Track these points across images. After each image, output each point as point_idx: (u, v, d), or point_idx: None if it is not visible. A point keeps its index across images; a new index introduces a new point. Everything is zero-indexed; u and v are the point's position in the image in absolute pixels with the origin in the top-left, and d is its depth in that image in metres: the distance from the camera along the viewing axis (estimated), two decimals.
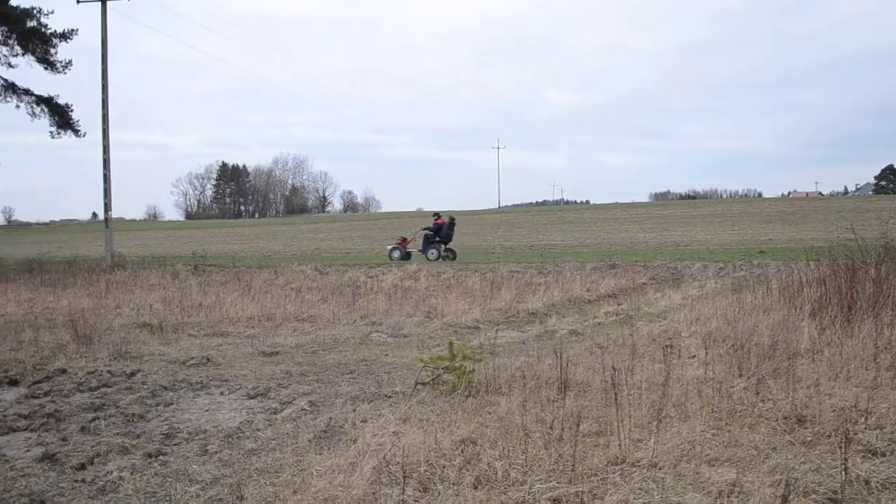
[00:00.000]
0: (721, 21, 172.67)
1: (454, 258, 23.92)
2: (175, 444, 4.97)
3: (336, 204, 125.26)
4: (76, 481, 4.31)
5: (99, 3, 25.27)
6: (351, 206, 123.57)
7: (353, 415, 5.46)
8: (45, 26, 25.97)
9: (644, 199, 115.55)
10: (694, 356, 6.92)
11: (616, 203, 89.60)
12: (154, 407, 5.96)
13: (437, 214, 25.38)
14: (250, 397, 6.30)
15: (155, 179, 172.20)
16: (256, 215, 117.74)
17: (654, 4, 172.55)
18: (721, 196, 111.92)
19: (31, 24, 25.66)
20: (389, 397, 6.16)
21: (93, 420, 5.50)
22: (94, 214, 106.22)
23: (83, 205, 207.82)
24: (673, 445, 4.25)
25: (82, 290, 16.38)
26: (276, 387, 6.62)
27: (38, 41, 25.86)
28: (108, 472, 4.42)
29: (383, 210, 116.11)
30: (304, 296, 14.26)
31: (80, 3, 25.43)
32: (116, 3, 25.60)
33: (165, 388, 6.54)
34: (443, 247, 24.45)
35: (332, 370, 7.56)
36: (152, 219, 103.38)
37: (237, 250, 35.49)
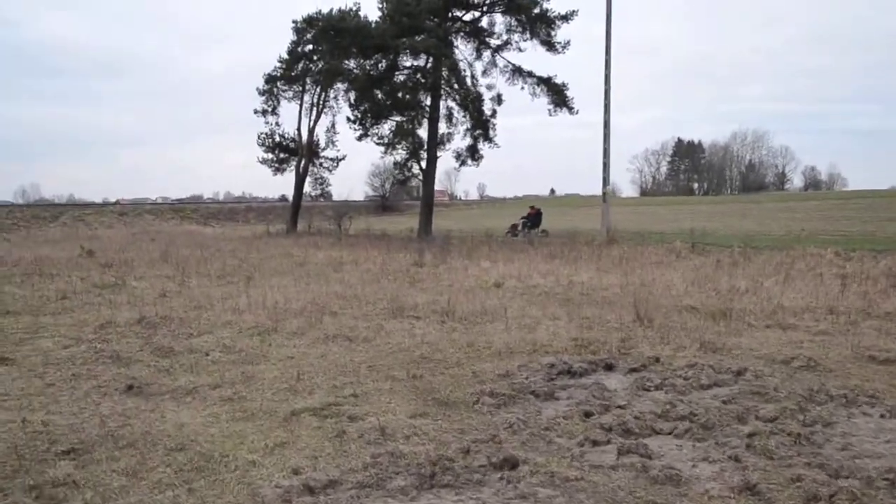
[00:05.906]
0: None
1: (547, 235, 27.67)
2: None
3: (796, 181, 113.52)
4: None
5: None
6: (812, 184, 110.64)
7: None
8: (548, 10, 27.30)
9: None
10: None
11: None
12: (811, 425, 4.82)
13: (532, 206, 31.01)
14: None
15: (612, 157, 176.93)
16: (711, 192, 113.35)
17: None
18: None
19: (536, 10, 27.18)
20: None
21: (751, 435, 4.55)
22: (552, 190, 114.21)
23: (544, 181, 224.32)
24: None
25: (590, 263, 16.53)
26: None
27: (542, 25, 27.31)
28: None
29: (850, 188, 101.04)
30: (852, 287, 12.06)
31: None
32: None
33: (805, 399, 5.38)
34: (533, 230, 28.91)
35: None
36: (611, 195, 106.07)
37: (711, 228, 33.64)
